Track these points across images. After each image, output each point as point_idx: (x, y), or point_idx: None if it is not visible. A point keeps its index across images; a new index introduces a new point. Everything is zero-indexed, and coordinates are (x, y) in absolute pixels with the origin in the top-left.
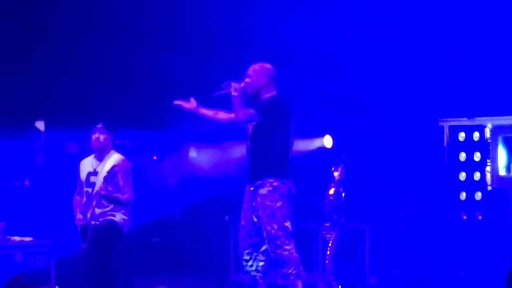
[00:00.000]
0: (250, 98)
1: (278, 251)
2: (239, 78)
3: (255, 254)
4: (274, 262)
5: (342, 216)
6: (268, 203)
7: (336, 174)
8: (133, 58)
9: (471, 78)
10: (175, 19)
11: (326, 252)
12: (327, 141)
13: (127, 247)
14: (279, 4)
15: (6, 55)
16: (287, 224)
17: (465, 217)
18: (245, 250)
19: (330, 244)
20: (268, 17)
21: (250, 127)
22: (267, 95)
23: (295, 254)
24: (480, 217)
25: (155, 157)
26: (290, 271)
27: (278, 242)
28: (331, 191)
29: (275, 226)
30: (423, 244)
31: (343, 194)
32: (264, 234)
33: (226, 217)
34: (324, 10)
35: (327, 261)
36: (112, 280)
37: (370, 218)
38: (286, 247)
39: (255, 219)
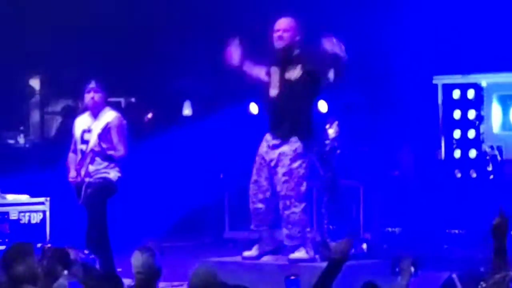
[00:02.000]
0: (284, 52)
1: (286, 212)
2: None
3: (266, 209)
4: (281, 222)
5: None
6: (288, 161)
7: (330, 131)
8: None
9: (465, 35)
10: None
11: (321, 210)
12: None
13: (120, 204)
14: None
15: None
16: (302, 186)
17: (459, 175)
18: (255, 204)
19: (324, 203)
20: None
21: (289, 78)
22: (298, 51)
23: (303, 217)
24: (474, 175)
25: (150, 115)
26: (295, 233)
27: (288, 203)
28: (326, 149)
29: (289, 186)
30: (418, 202)
31: (338, 151)
32: (277, 191)
33: (221, 175)
34: None
35: (325, 220)
36: (106, 235)
37: (364, 176)
38: (295, 209)
39: (267, 175)
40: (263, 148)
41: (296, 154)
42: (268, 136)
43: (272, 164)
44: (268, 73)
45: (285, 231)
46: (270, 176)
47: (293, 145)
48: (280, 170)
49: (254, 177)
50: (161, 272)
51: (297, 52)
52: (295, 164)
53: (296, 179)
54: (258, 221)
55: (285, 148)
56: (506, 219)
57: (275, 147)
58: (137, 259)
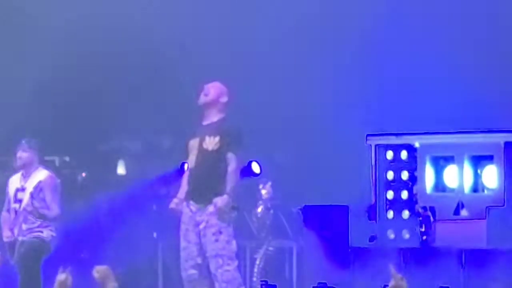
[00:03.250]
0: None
1: (219, 270)
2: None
3: (199, 275)
4: (215, 282)
5: (269, 234)
6: (215, 221)
7: (263, 191)
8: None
9: (399, 96)
10: None
11: (254, 269)
12: (255, 167)
13: (54, 263)
14: None
15: None
16: (233, 245)
17: (392, 236)
18: (188, 271)
19: (257, 262)
20: None
21: (209, 144)
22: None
23: (236, 275)
24: (407, 236)
25: (83, 174)
26: None
27: (220, 261)
28: (259, 209)
29: (220, 245)
30: (349, 261)
31: (271, 211)
32: (208, 253)
33: (154, 234)
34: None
35: (254, 278)
36: None
37: (297, 236)
38: (228, 267)
39: (197, 239)
40: (187, 214)
41: (221, 213)
42: (190, 203)
43: (201, 226)
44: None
45: None
46: (198, 239)
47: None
48: (210, 231)
49: (183, 244)
50: None
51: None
52: (224, 224)
53: (226, 238)
54: None
55: (210, 209)
56: (401, 282)
57: (200, 210)
58: None
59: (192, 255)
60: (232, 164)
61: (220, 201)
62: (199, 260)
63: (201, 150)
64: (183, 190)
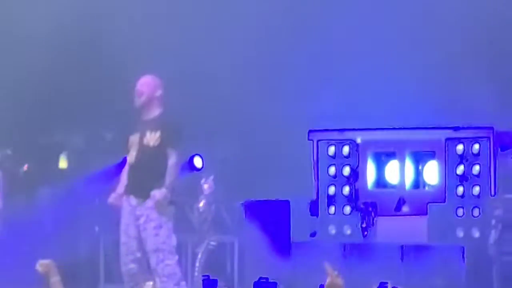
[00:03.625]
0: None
1: (160, 265)
2: None
3: (138, 269)
4: (155, 277)
5: (211, 228)
6: (155, 215)
7: (205, 186)
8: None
9: (341, 92)
10: None
11: (195, 263)
12: (197, 161)
13: None
14: None
15: None
16: (172, 238)
17: (333, 231)
18: (128, 266)
19: (199, 256)
20: None
21: (150, 140)
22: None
23: (177, 270)
24: (349, 232)
25: (25, 167)
26: (170, 286)
27: (161, 256)
28: (201, 204)
29: (160, 240)
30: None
31: (213, 206)
32: (147, 248)
33: (96, 228)
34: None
35: (196, 273)
36: None
37: (239, 230)
38: (168, 262)
39: (136, 234)
40: (127, 208)
41: (161, 207)
42: (130, 198)
43: (141, 220)
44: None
45: (159, 284)
46: (138, 234)
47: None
48: (150, 225)
49: (122, 239)
50: None
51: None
52: (164, 218)
53: (166, 232)
54: (132, 282)
55: (150, 203)
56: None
57: (139, 204)
58: None
59: (132, 249)
60: (172, 158)
61: (158, 194)
62: (138, 254)
63: (142, 146)
64: (122, 184)
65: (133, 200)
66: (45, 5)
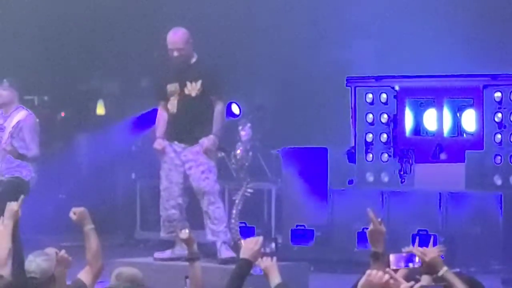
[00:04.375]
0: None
1: (211, 207)
2: None
3: (179, 215)
4: (206, 219)
5: (248, 175)
6: (204, 160)
7: (242, 133)
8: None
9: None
10: None
11: (232, 211)
12: (235, 108)
13: (34, 203)
14: None
15: None
16: (218, 184)
17: (371, 179)
18: (168, 211)
19: (236, 203)
20: None
21: (192, 90)
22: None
23: (224, 214)
24: (386, 179)
25: (62, 114)
26: (222, 229)
27: (212, 199)
28: (238, 151)
29: (211, 183)
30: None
31: (250, 153)
32: (197, 191)
33: (133, 175)
34: None
35: (233, 220)
36: (17, 235)
37: (276, 178)
38: (219, 205)
39: (181, 179)
40: (170, 154)
41: (210, 152)
42: (174, 143)
43: (187, 166)
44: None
45: (211, 226)
46: (182, 179)
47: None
48: (199, 169)
49: (164, 184)
50: (55, 278)
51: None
52: (212, 163)
53: (214, 177)
54: (171, 228)
55: (197, 148)
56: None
57: (185, 149)
58: (30, 263)
59: (174, 195)
60: (218, 106)
61: (207, 141)
62: (180, 200)
63: (183, 95)
64: (161, 131)
65: (177, 146)
66: None
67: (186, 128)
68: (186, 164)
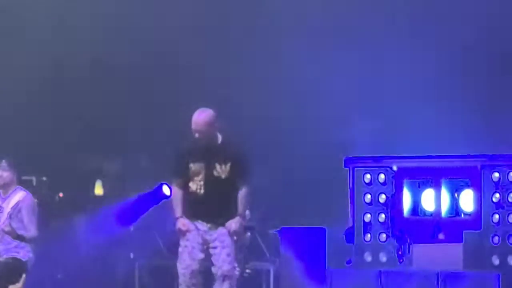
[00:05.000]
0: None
1: None
2: None
3: None
4: None
5: (247, 256)
6: (229, 243)
7: None
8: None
9: (378, 120)
10: None
11: None
12: None
13: (32, 283)
14: None
15: None
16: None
17: (369, 259)
18: None
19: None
20: None
21: (222, 173)
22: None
23: None
24: (384, 259)
25: (61, 194)
26: None
27: (232, 284)
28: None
29: (231, 267)
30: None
31: (248, 234)
32: (218, 272)
33: (131, 255)
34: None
35: None
36: None
37: (275, 258)
38: None
39: (203, 258)
40: (193, 232)
41: (239, 233)
42: (198, 222)
43: (212, 245)
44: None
45: None
46: (204, 258)
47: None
48: (224, 251)
49: (187, 262)
50: None
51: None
52: (233, 248)
53: (234, 261)
54: None
55: (224, 230)
56: None
57: (210, 229)
58: None
59: (196, 272)
60: (244, 189)
61: (234, 224)
62: (200, 279)
63: (211, 176)
64: (181, 210)
65: (201, 225)
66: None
67: (214, 209)
68: (211, 244)
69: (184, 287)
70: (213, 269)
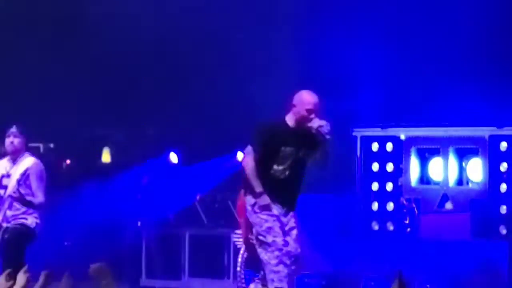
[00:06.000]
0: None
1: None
2: None
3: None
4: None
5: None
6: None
7: None
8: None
9: (386, 88)
10: None
11: (238, 259)
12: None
13: (39, 250)
14: None
15: None
16: None
17: (376, 227)
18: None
19: (242, 251)
20: None
21: (300, 151)
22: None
23: None
24: (391, 228)
25: (68, 161)
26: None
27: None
28: None
29: (299, 247)
30: (336, 252)
31: None
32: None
33: (139, 223)
34: None
35: (238, 268)
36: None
37: None
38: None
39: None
40: (270, 214)
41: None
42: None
43: (287, 227)
44: None
45: None
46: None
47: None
48: (294, 232)
49: (279, 243)
50: None
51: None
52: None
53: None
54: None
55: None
56: (404, 285)
57: (286, 213)
58: None
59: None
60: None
61: None
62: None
63: (297, 161)
64: (260, 185)
65: (278, 208)
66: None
67: (292, 194)
68: (285, 226)
69: (282, 266)
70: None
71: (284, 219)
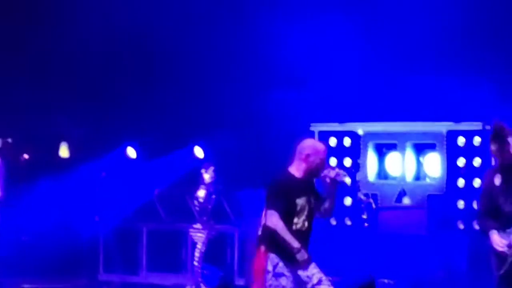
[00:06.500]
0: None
1: None
2: None
3: None
4: None
5: (211, 218)
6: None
7: (206, 176)
8: None
9: (343, 84)
10: None
11: (195, 253)
12: (198, 151)
13: None
14: None
15: None
16: None
17: (334, 222)
18: None
19: (198, 246)
20: None
21: (311, 201)
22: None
23: None
24: (349, 223)
25: (26, 156)
26: None
27: None
28: (201, 193)
29: None
30: None
31: (213, 196)
32: None
33: (96, 217)
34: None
35: (195, 263)
36: None
37: (239, 221)
38: None
39: None
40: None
41: None
42: None
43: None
44: None
45: None
46: None
47: None
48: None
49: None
50: None
51: None
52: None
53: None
54: None
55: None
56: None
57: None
58: None
59: None
60: None
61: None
62: None
63: (311, 211)
64: (296, 241)
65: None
66: None
67: (309, 243)
68: (307, 285)
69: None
70: None
71: (301, 272)
